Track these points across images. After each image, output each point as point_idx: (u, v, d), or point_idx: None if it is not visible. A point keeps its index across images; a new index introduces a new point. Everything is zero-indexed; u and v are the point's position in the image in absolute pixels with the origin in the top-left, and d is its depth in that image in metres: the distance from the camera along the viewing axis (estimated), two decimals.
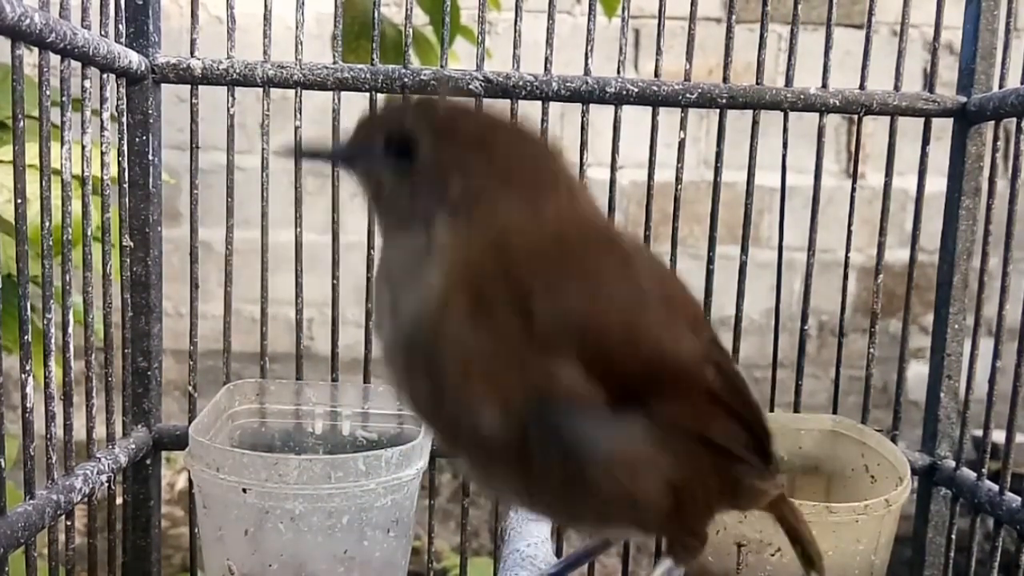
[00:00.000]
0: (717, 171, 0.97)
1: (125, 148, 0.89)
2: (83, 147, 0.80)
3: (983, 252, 0.91)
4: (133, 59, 0.88)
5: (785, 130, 0.97)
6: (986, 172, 0.94)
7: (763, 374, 1.04)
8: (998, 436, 0.91)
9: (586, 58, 0.94)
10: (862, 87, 0.97)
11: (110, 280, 0.86)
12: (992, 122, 0.93)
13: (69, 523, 0.77)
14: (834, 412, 0.99)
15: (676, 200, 0.96)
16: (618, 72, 0.94)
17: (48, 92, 0.71)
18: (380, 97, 0.94)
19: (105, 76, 0.84)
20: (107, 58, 0.81)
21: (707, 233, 0.97)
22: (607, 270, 0.56)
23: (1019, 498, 0.85)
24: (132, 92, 0.91)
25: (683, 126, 0.96)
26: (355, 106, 0.62)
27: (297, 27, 0.93)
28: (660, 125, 0.95)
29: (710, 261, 0.97)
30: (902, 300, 1.01)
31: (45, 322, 0.72)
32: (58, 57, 0.74)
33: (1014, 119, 0.86)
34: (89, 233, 0.81)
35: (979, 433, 0.91)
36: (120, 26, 0.89)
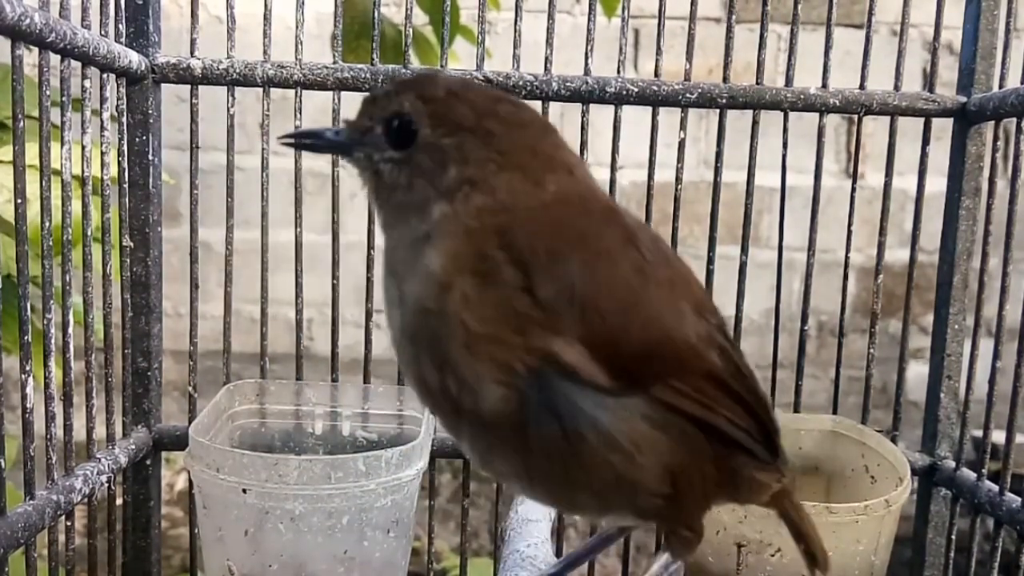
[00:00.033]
0: (717, 171, 0.97)
1: (125, 148, 0.89)
2: (83, 147, 0.80)
3: (983, 252, 0.91)
4: (133, 59, 0.88)
5: (785, 130, 0.97)
6: (986, 172, 0.94)
7: (763, 374, 1.04)
8: (998, 436, 0.91)
9: (586, 58, 0.94)
10: (862, 87, 0.97)
11: (110, 280, 0.86)
12: (992, 122, 0.93)
13: (69, 523, 0.77)
14: (834, 412, 0.99)
15: (676, 200, 0.96)
16: (618, 72, 0.94)
17: (48, 92, 0.71)
18: None
19: (105, 76, 0.84)
20: (107, 58, 0.81)
21: (707, 233, 0.97)
22: (608, 247, 0.56)
23: (1019, 498, 0.85)
24: (132, 92, 0.91)
25: (683, 126, 0.96)
26: (355, 106, 0.62)
27: (297, 27, 0.93)
28: (660, 125, 0.95)
29: (710, 261, 0.97)
30: (902, 300, 1.01)
31: (45, 322, 0.72)
32: (58, 57, 0.74)
33: (1014, 119, 0.86)
34: (89, 233, 0.81)
35: (979, 433, 0.91)
36: (120, 26, 0.89)
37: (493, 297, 0.53)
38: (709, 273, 0.97)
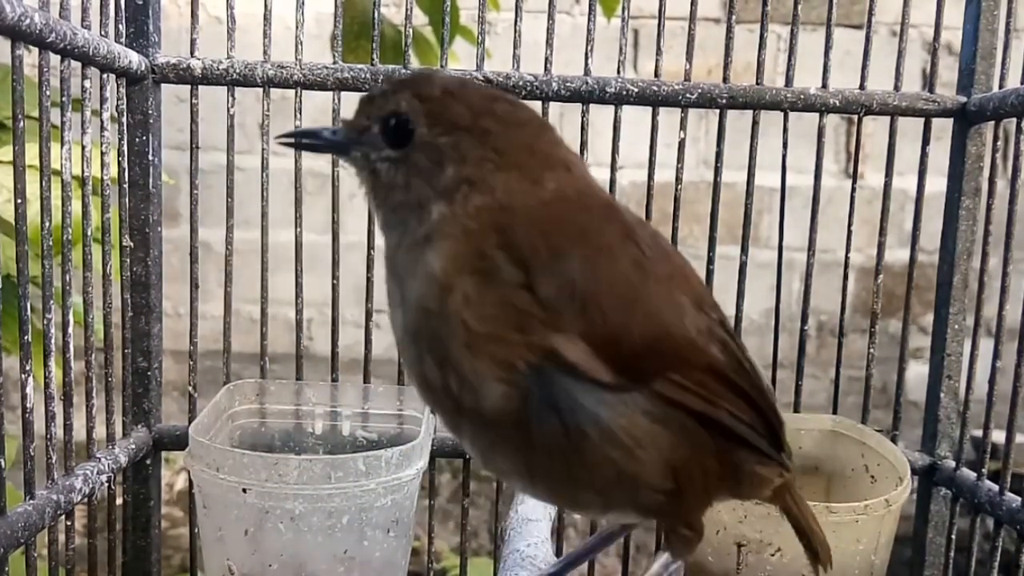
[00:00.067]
0: (717, 171, 0.97)
1: (125, 148, 0.89)
2: (83, 147, 0.80)
3: (983, 252, 0.91)
4: (133, 59, 0.88)
5: (785, 130, 0.97)
6: (986, 172, 0.95)
7: (760, 370, 1.04)
8: (998, 436, 0.91)
9: (586, 58, 0.94)
10: (862, 87, 0.97)
11: (110, 280, 0.86)
12: (992, 122, 0.93)
13: (69, 523, 0.77)
14: (834, 412, 0.99)
15: (676, 200, 0.96)
16: (618, 72, 0.94)
17: (48, 92, 0.71)
18: None
19: (105, 76, 0.84)
20: (107, 58, 0.81)
21: (707, 233, 0.97)
22: (608, 243, 0.56)
23: (1019, 498, 0.85)
24: (132, 92, 0.91)
25: (683, 126, 0.96)
26: (355, 106, 0.62)
27: (297, 27, 0.93)
28: (660, 125, 0.95)
29: (710, 261, 0.97)
30: (902, 300, 1.01)
31: (45, 322, 0.72)
32: (58, 57, 0.74)
33: (1014, 119, 0.86)
34: (89, 233, 0.81)
35: (979, 433, 0.91)
36: (120, 26, 0.89)
37: (494, 296, 0.53)
38: (709, 273, 0.97)
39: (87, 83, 0.79)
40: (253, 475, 0.75)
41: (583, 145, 0.94)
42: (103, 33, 0.84)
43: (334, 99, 0.93)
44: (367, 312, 0.96)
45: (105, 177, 0.85)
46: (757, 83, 0.96)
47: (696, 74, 0.96)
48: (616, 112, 0.95)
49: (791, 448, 0.65)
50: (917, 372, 1.64)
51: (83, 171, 0.81)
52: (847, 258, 0.99)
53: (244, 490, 0.75)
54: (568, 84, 0.93)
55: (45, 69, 0.71)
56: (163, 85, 0.94)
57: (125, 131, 0.89)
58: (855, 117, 0.97)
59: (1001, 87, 0.93)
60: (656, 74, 0.95)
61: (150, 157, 0.92)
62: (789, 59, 0.96)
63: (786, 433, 0.64)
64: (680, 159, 0.96)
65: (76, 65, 0.78)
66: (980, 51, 0.96)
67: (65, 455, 0.77)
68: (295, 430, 0.94)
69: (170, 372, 2.11)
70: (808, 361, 1.00)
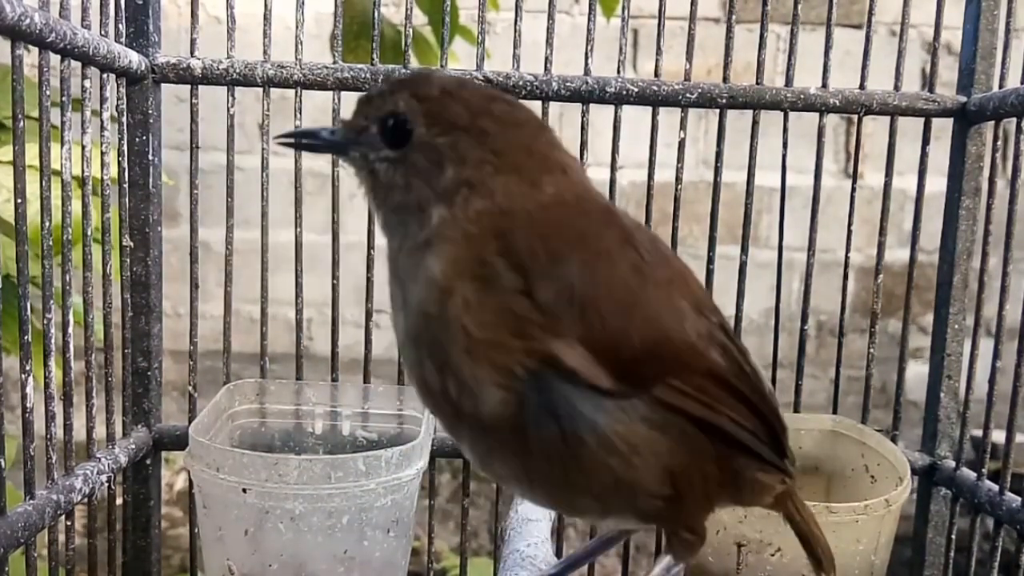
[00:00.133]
0: (717, 171, 0.97)
1: (125, 148, 0.89)
2: (83, 147, 0.80)
3: (983, 252, 0.91)
4: (133, 59, 0.88)
5: (785, 130, 0.97)
6: (986, 172, 0.94)
7: (762, 373, 1.04)
8: (998, 436, 0.91)
9: (586, 58, 0.94)
10: (862, 87, 0.97)
11: (110, 280, 0.86)
12: (992, 122, 0.93)
13: (69, 523, 0.77)
14: (834, 412, 0.99)
15: (676, 200, 0.96)
16: (618, 72, 0.94)
17: (48, 92, 0.71)
18: None
19: (105, 76, 0.84)
20: (107, 58, 0.81)
21: (707, 233, 0.97)
22: (607, 247, 0.56)
23: (1019, 498, 0.85)
24: (132, 92, 0.91)
25: (683, 126, 0.96)
26: (354, 106, 0.62)
27: (297, 27, 0.93)
28: (660, 125, 0.95)
29: (710, 261, 0.97)
30: (902, 300, 1.01)
31: (45, 322, 0.72)
32: (58, 57, 0.74)
33: (1014, 119, 0.86)
34: (89, 233, 0.81)
35: (979, 433, 0.91)
36: (120, 26, 0.89)
37: (493, 302, 0.53)
38: (709, 273, 0.97)
39: (87, 83, 0.79)
40: (253, 475, 0.75)
41: (583, 145, 0.94)
42: (103, 33, 0.84)
43: (334, 99, 0.93)
44: (367, 312, 0.96)
45: (105, 177, 0.85)
46: (757, 83, 0.96)
47: (696, 74, 0.96)
48: (616, 112, 0.95)
49: (792, 449, 0.65)
50: (917, 372, 1.64)
51: (83, 171, 0.81)
52: (847, 258, 0.99)
53: (244, 490, 0.75)
54: (568, 84, 0.93)
55: (45, 69, 0.71)
56: (163, 85, 0.94)
57: (125, 131, 0.89)
58: (855, 117, 0.97)
59: (1001, 87, 0.93)
60: (656, 74, 0.95)
61: (150, 157, 0.92)
62: (789, 59, 0.96)
63: (788, 437, 0.64)
64: (680, 159, 0.96)
65: (76, 65, 0.78)
66: (980, 51, 0.96)
67: (65, 455, 0.77)
68: (295, 430, 0.94)
69: (170, 372, 2.11)
70: (808, 361, 1.00)
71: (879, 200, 0.99)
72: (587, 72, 0.94)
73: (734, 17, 0.95)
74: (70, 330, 0.76)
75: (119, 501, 0.88)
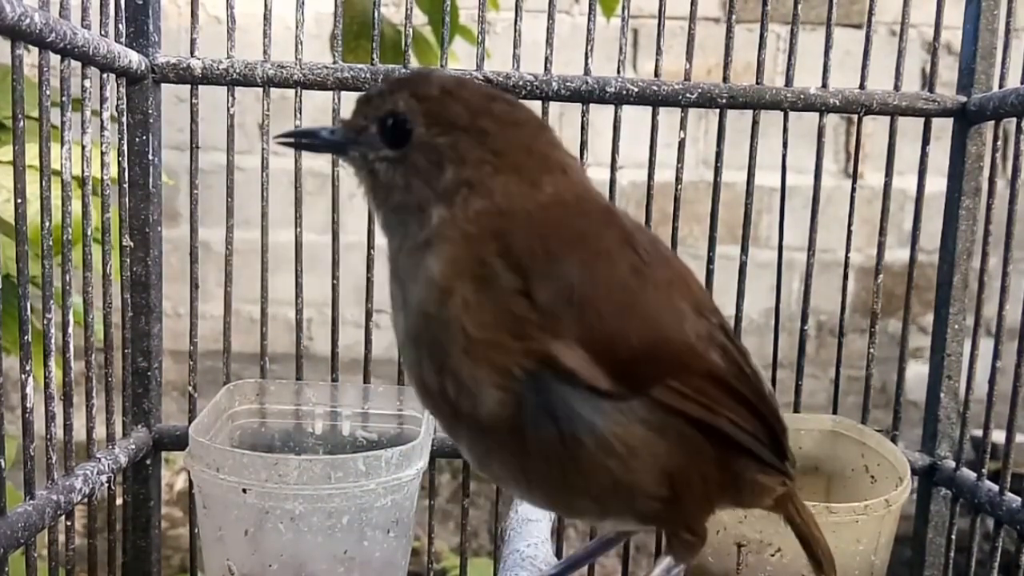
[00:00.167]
0: (717, 171, 0.97)
1: (125, 148, 0.89)
2: (83, 147, 0.80)
3: (983, 252, 0.91)
4: (133, 59, 0.88)
5: (785, 130, 0.97)
6: (986, 172, 0.94)
7: (763, 373, 1.04)
8: (998, 436, 0.91)
9: (586, 58, 0.94)
10: (862, 87, 0.97)
11: (110, 280, 0.86)
12: (992, 122, 0.93)
13: (69, 523, 0.77)
14: (834, 412, 0.99)
15: (676, 200, 0.96)
16: (618, 72, 0.94)
17: (48, 92, 0.71)
18: None
19: (105, 76, 0.84)
20: (107, 58, 0.81)
21: (707, 233, 0.97)
22: (606, 248, 0.56)
23: (1019, 498, 0.85)
24: (132, 92, 0.91)
25: (683, 126, 0.96)
26: (353, 106, 0.62)
27: (297, 27, 0.93)
28: (660, 125, 0.95)
29: (710, 261, 0.97)
30: (902, 300, 1.01)
31: (45, 322, 0.72)
32: (58, 57, 0.74)
33: (1014, 119, 0.86)
34: (89, 233, 0.81)
35: (979, 433, 0.91)
36: (120, 26, 0.89)
37: (492, 302, 0.53)
38: (709, 273, 0.97)
39: (87, 83, 0.79)
40: (253, 475, 0.75)
41: (583, 145, 0.94)
42: (103, 33, 0.84)
43: (334, 99, 0.93)
44: (367, 312, 0.96)
45: (105, 177, 0.85)
46: (757, 83, 0.96)
47: (696, 74, 0.96)
48: (616, 112, 0.95)
49: (792, 450, 0.65)
50: (917, 372, 1.64)
51: (83, 171, 0.81)
52: (847, 258, 0.99)
53: (244, 490, 0.75)
54: (568, 84, 0.93)
55: (45, 69, 0.71)
56: (163, 85, 0.94)
57: (125, 131, 0.89)
58: (855, 117, 0.97)
59: (1001, 87, 0.93)
60: (656, 74, 0.95)
61: (150, 157, 0.92)
62: (789, 59, 0.96)
63: (788, 439, 0.64)
64: (680, 159, 0.96)
65: (76, 65, 0.78)
66: (980, 51, 0.96)
67: (65, 455, 0.77)
68: (295, 430, 0.94)
69: (170, 372, 2.11)
70: (808, 361, 1.00)
71: (879, 200, 0.99)
72: (587, 72, 0.94)
73: (734, 17, 0.95)
74: (70, 330, 0.76)
75: (119, 501, 0.88)
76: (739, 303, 0.99)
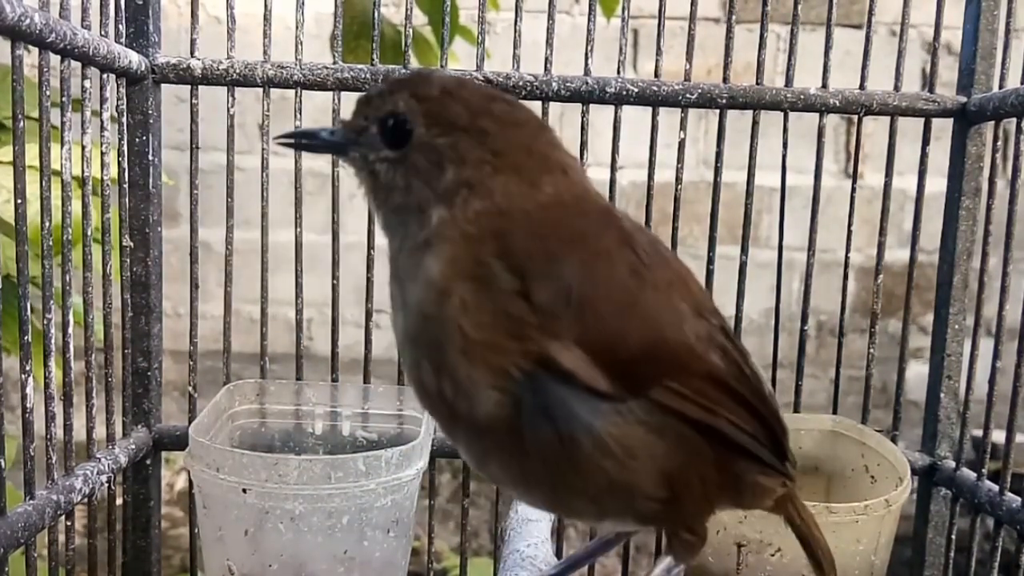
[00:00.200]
0: (717, 171, 0.97)
1: (125, 148, 0.89)
2: (83, 147, 0.80)
3: (983, 252, 0.91)
4: (133, 59, 0.88)
5: (785, 130, 0.97)
6: (986, 172, 0.95)
7: (763, 374, 1.04)
8: (998, 436, 0.91)
9: (586, 58, 0.94)
10: (862, 87, 0.97)
11: (110, 280, 0.86)
12: (992, 122, 0.93)
13: (69, 523, 0.77)
14: (834, 412, 0.99)
15: (676, 200, 0.96)
16: (618, 72, 0.94)
17: (48, 92, 0.71)
18: None
19: (105, 76, 0.84)
20: (107, 58, 0.81)
21: (707, 233, 0.97)
22: (605, 248, 0.56)
23: (1019, 498, 0.85)
24: (132, 92, 0.91)
25: (683, 126, 0.96)
26: (353, 106, 0.62)
27: (297, 27, 0.93)
28: (660, 125, 0.95)
29: (710, 261, 0.97)
30: (902, 300, 1.01)
31: (45, 322, 0.72)
32: (58, 57, 0.74)
33: (1014, 119, 0.86)
34: (89, 233, 0.81)
35: (979, 433, 0.91)
36: (120, 26, 0.89)
37: (490, 303, 0.53)
38: (709, 273, 0.97)
39: (87, 83, 0.79)
40: (253, 475, 0.75)
41: (583, 145, 0.94)
42: (103, 33, 0.84)
43: (334, 99, 0.93)
44: (367, 312, 0.96)
45: (105, 177, 0.85)
46: (757, 83, 0.96)
47: (696, 74, 0.96)
48: (616, 112, 0.95)
49: (792, 450, 0.64)
50: (917, 372, 1.64)
51: (83, 171, 0.81)
52: (847, 258, 0.99)
53: (244, 490, 0.75)
54: (568, 84, 0.93)
55: (45, 69, 0.71)
56: (163, 85, 0.94)
57: (125, 131, 0.89)
58: (855, 117, 0.97)
59: (1001, 87, 0.93)
60: (656, 74, 0.95)
61: (150, 157, 0.93)
62: (789, 59, 0.96)
63: (788, 439, 0.64)
64: (680, 159, 0.96)
65: (76, 65, 0.78)
66: (980, 51, 0.96)
67: (65, 455, 0.77)
68: (295, 430, 0.94)
69: (170, 372, 2.11)
70: (808, 361, 1.00)
71: (879, 200, 0.99)
72: (587, 72, 0.94)
73: (734, 17, 0.95)
74: (70, 330, 0.76)
75: (119, 501, 0.88)
76: (739, 303, 0.99)
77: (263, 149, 0.94)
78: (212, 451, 0.77)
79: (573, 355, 0.53)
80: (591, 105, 0.95)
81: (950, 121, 0.98)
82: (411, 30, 0.94)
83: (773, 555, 0.79)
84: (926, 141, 0.97)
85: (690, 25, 0.95)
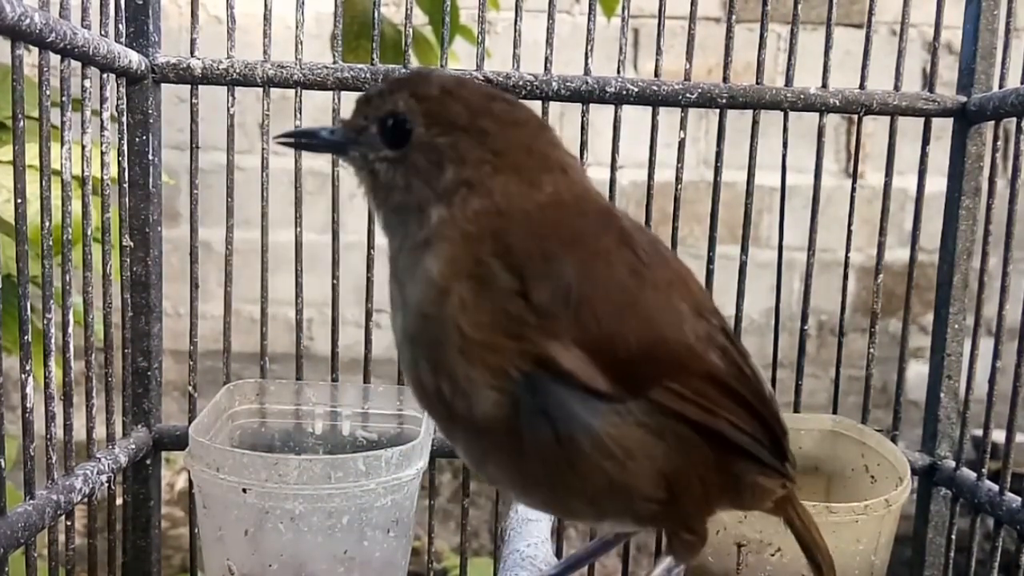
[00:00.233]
0: (717, 171, 0.97)
1: (125, 148, 0.89)
2: (83, 147, 0.80)
3: (983, 252, 0.91)
4: (133, 59, 0.88)
5: (785, 130, 0.97)
6: (986, 172, 0.95)
7: (763, 374, 1.04)
8: (998, 436, 0.91)
9: (586, 58, 0.94)
10: (862, 87, 0.97)
11: (110, 280, 0.86)
12: (992, 122, 0.93)
13: (69, 523, 0.77)
14: (834, 412, 0.99)
15: (676, 200, 0.96)
16: (618, 72, 0.94)
17: (48, 92, 0.71)
18: None
19: (105, 76, 0.84)
20: (107, 58, 0.81)
21: (707, 233, 0.97)
22: (604, 248, 0.56)
23: (1019, 498, 0.85)
24: (132, 92, 0.91)
25: (683, 126, 0.96)
26: (353, 106, 0.62)
27: (297, 27, 0.93)
28: (660, 125, 0.95)
29: (710, 261, 0.97)
30: (902, 300, 1.01)
31: (45, 322, 0.72)
32: (58, 57, 0.74)
33: (1014, 119, 0.86)
34: (89, 233, 0.81)
35: (979, 433, 0.91)
36: (120, 26, 0.89)
37: (488, 302, 0.53)
38: (709, 273, 0.97)
39: (87, 83, 0.79)
40: (253, 475, 0.75)
41: (583, 145, 0.94)
42: (103, 33, 0.84)
43: (334, 99, 0.93)
44: (367, 312, 0.96)
45: (105, 177, 0.85)
46: (757, 83, 0.96)
47: (696, 74, 0.96)
48: (616, 112, 0.95)
49: (792, 450, 0.64)
50: (917, 372, 1.64)
51: (83, 171, 0.81)
52: (847, 258, 0.99)
53: (244, 490, 0.75)
54: (568, 84, 0.93)
55: (45, 69, 0.71)
56: (163, 85, 0.94)
57: (125, 131, 0.89)
58: (855, 117, 0.97)
59: (1001, 87, 0.93)
60: (656, 74, 0.95)
61: (150, 157, 0.93)
62: (789, 59, 0.96)
63: (788, 440, 0.64)
64: (680, 159, 0.96)
65: (76, 65, 0.78)
66: (980, 51, 0.96)
67: (65, 455, 0.77)
68: (295, 430, 0.94)
69: (170, 372, 2.11)
70: (808, 361, 1.00)
71: (879, 200, 0.99)
72: (587, 72, 0.94)
73: (734, 17, 0.95)
74: (70, 330, 0.76)
75: (119, 501, 0.88)
76: (739, 303, 0.99)
77: (263, 149, 0.94)
78: (212, 451, 0.77)
79: (572, 355, 0.53)
80: (591, 105, 0.95)
81: (950, 121, 0.98)
82: (411, 30, 0.94)
83: (773, 555, 0.79)
84: (926, 141, 0.97)
85: (690, 25, 0.95)
